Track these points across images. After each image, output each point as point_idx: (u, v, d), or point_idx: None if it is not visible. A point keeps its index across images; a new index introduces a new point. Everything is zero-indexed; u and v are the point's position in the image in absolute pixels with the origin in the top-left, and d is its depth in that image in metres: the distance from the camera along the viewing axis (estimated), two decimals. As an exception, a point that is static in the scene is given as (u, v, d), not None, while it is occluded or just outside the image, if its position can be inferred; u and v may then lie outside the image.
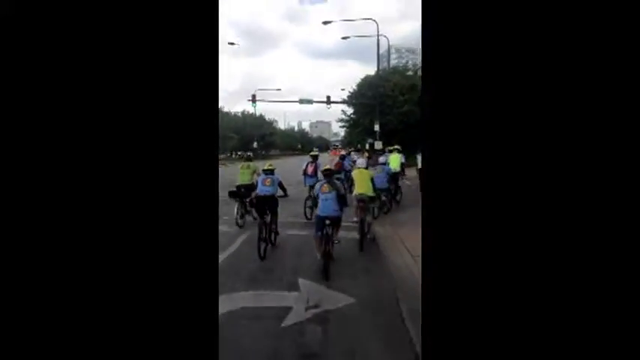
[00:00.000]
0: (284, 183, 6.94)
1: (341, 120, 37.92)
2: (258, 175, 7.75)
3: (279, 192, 6.75)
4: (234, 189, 8.55)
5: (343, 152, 12.99)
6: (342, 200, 5.69)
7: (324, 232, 5.46)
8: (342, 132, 61.04)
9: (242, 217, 8.39)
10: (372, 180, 7.17)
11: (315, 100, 30.08)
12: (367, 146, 33.32)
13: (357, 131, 35.67)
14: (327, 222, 5.49)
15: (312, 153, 10.42)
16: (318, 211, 5.71)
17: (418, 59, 33.57)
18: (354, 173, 7.61)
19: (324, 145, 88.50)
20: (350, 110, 36.53)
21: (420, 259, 5.37)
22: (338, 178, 7.98)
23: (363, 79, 33.71)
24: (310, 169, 10.11)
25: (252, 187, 8.04)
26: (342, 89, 34.78)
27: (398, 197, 10.85)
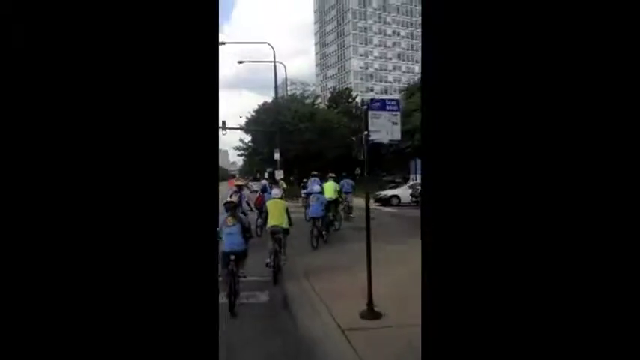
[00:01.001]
0: None
1: (238, 148, 35.61)
2: None
3: None
4: None
5: (240, 182, 12.34)
6: (246, 233, 5.54)
7: (230, 268, 5.18)
8: (240, 161, 58.54)
9: None
10: (286, 211, 7.06)
11: (209, 126, 27.34)
12: (266, 175, 31.68)
13: (257, 160, 33.74)
14: (232, 257, 5.22)
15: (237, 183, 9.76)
16: (222, 246, 5.31)
17: (312, 90, 33.08)
18: (269, 204, 7.33)
19: (222, 175, 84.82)
20: (248, 138, 34.54)
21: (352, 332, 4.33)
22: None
23: (260, 106, 32.16)
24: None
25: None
26: (240, 117, 32.26)
27: (337, 225, 11.10)
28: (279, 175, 27.10)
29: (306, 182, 13.32)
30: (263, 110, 31.03)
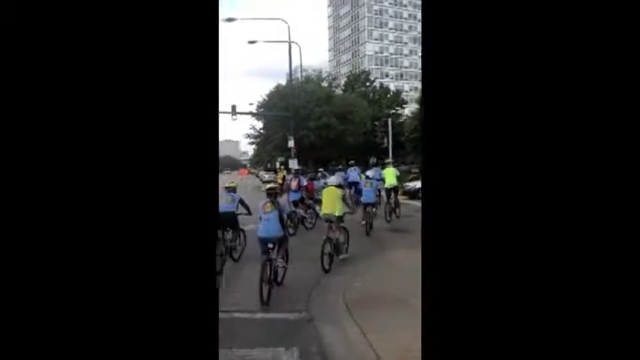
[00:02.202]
0: None
1: (249, 136, 33.16)
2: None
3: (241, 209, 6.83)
4: None
5: (252, 171, 9.97)
6: (283, 220, 5.37)
7: (267, 256, 4.95)
8: (251, 150, 56.35)
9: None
10: (342, 198, 6.71)
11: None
12: (278, 165, 29.25)
13: (269, 148, 31.33)
14: (270, 245, 5.04)
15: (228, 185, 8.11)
16: (257, 232, 5.22)
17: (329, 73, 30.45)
18: (324, 192, 7.03)
19: (233, 165, 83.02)
20: (259, 125, 32.13)
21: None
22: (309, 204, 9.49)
23: (274, 88, 29.61)
24: (294, 184, 9.60)
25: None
26: (251, 104, 29.86)
27: (397, 211, 10.54)
28: (293, 163, 24.72)
29: (318, 174, 12.75)
30: (276, 93, 28.54)
